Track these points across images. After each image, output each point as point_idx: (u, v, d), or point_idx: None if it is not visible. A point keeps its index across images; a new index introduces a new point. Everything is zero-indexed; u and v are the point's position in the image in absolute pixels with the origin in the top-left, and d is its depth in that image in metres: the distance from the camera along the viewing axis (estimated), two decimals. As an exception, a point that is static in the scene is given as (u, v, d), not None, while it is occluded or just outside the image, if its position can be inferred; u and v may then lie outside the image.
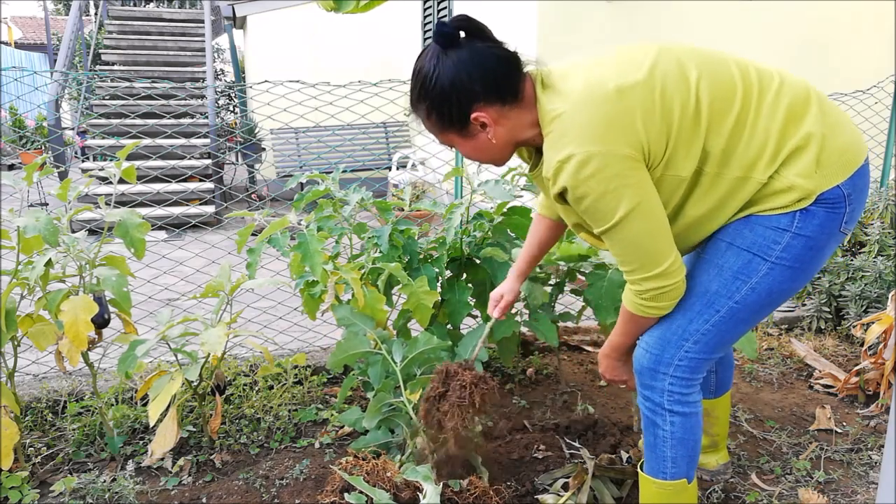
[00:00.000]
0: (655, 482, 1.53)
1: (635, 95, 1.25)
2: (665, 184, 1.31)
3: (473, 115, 1.33)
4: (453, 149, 1.48)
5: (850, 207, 1.32)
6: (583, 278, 2.33)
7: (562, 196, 1.33)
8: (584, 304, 2.46)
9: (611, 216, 1.27)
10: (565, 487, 1.82)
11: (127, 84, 7.50)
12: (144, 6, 11.52)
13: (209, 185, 6.74)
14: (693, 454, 1.49)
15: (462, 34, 1.31)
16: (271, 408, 2.27)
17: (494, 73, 1.31)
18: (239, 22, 9.19)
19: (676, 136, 1.27)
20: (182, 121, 7.76)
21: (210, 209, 6.64)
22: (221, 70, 12.23)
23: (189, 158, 7.15)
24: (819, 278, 3.18)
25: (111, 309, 2.02)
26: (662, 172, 1.30)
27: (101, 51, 8.75)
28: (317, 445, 2.13)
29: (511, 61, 1.33)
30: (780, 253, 1.32)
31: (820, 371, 2.67)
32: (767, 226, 1.32)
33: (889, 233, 3.23)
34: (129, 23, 9.15)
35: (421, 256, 2.23)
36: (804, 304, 3.25)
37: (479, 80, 1.30)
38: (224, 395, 2.16)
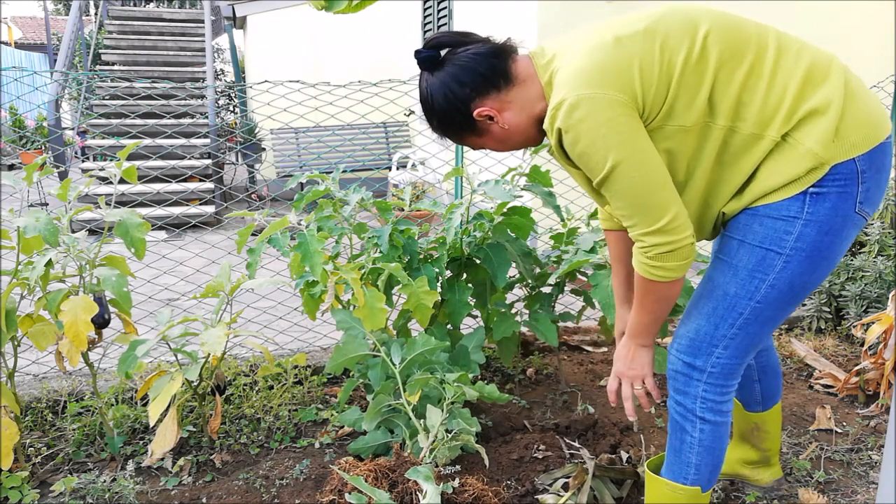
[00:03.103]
0: (669, 484, 1.50)
1: (634, 45, 1.26)
2: (670, 136, 1.29)
3: (475, 113, 1.38)
4: (487, 151, 1.55)
5: (863, 186, 1.26)
6: (584, 278, 2.33)
7: (562, 148, 1.34)
8: (584, 304, 2.47)
9: (602, 164, 1.26)
10: (565, 487, 1.82)
11: (127, 84, 7.50)
12: (144, 6, 11.52)
13: (209, 185, 6.74)
14: (717, 463, 1.46)
15: (443, 51, 1.38)
16: (271, 408, 2.27)
17: (477, 70, 1.36)
18: (239, 22, 9.19)
19: (678, 84, 1.25)
20: (182, 121, 7.76)
21: (210, 209, 6.64)
22: (221, 70, 12.22)
23: (189, 158, 7.15)
24: (819, 278, 3.17)
25: (111, 309, 2.02)
26: (663, 123, 1.27)
27: (101, 51, 8.75)
28: (317, 445, 2.13)
29: (492, 53, 1.38)
30: (793, 243, 1.28)
31: (820, 371, 2.67)
32: (776, 216, 1.28)
33: (889, 233, 3.22)
34: (129, 23, 9.15)
35: (421, 256, 2.23)
36: (804, 304, 3.25)
37: (467, 84, 1.36)
38: (224, 395, 2.16)
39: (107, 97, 8.03)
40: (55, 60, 10.61)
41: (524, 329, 2.50)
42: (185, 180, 6.94)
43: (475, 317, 2.45)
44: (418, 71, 1.43)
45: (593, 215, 2.41)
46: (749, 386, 1.75)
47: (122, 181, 2.01)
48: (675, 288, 1.36)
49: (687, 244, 1.29)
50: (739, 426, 1.80)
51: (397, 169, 7.30)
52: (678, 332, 1.46)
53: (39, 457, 2.02)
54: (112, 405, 2.21)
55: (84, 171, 6.93)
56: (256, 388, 2.38)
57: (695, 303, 1.44)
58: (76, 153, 8.65)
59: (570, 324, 2.99)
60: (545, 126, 1.34)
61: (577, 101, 1.24)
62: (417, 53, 1.38)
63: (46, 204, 6.75)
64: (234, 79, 10.16)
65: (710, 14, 1.31)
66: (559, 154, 1.37)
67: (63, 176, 5.73)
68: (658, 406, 2.41)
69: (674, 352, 1.46)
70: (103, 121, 7.52)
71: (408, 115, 8.04)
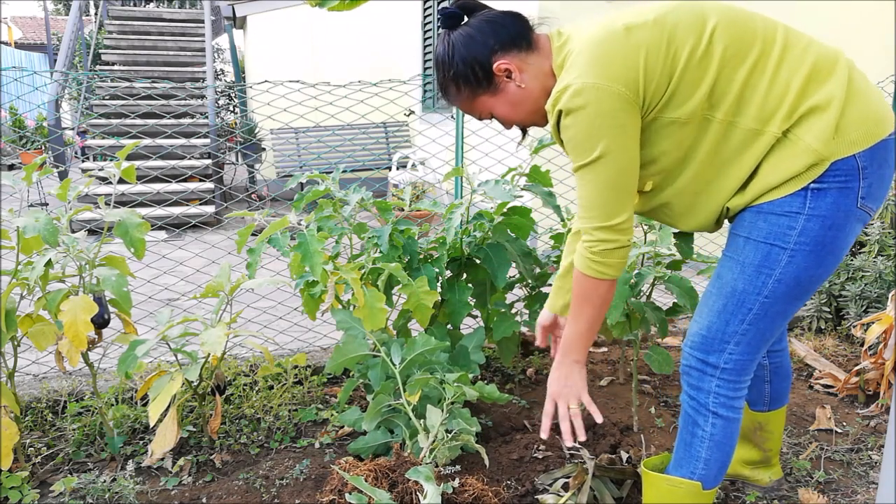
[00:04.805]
0: (669, 479, 1.51)
1: (643, 33, 1.28)
2: (667, 129, 1.32)
3: (496, 66, 1.40)
4: (493, 119, 1.52)
5: (865, 182, 1.28)
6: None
7: (559, 130, 1.36)
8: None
9: (589, 152, 1.30)
10: (565, 487, 1.82)
11: (127, 84, 7.50)
12: (144, 6, 11.52)
13: (209, 185, 6.74)
14: (725, 460, 1.47)
15: (465, 17, 1.42)
16: (271, 408, 2.27)
17: (503, 26, 1.40)
18: (239, 22, 9.20)
19: (680, 77, 1.28)
20: (182, 121, 7.76)
21: (210, 209, 6.64)
22: (221, 70, 12.23)
23: (189, 158, 7.15)
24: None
25: (111, 309, 2.02)
26: (659, 115, 1.31)
27: (101, 51, 8.75)
28: (317, 445, 2.13)
29: (516, 15, 1.42)
30: (797, 238, 1.30)
31: (820, 371, 2.67)
32: (779, 213, 1.31)
33: (889, 233, 3.22)
34: (129, 23, 9.15)
35: (421, 256, 2.23)
36: (804, 304, 3.25)
37: (490, 35, 1.39)
38: (224, 395, 2.16)
39: (107, 97, 8.02)
40: (55, 60, 10.61)
41: (524, 329, 2.50)
42: (185, 180, 6.94)
43: (475, 317, 2.45)
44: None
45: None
46: (759, 386, 1.76)
47: (121, 181, 2.01)
48: (611, 292, 1.42)
49: (627, 245, 1.37)
50: (743, 424, 1.81)
51: (397, 169, 7.30)
52: (691, 330, 1.47)
53: (39, 457, 2.02)
54: (112, 405, 2.21)
55: (84, 171, 6.93)
56: (256, 388, 2.38)
57: (705, 300, 1.46)
58: (76, 153, 8.65)
59: (570, 324, 2.99)
60: (547, 106, 1.36)
61: (582, 87, 1.27)
62: (443, 10, 1.40)
63: (46, 204, 6.75)
64: (234, 79, 10.17)
65: (719, 9, 1.33)
66: (556, 135, 1.40)
67: (63, 176, 5.73)
68: (658, 407, 2.41)
69: (687, 349, 1.47)
70: (103, 121, 7.52)
71: (408, 115, 8.04)
